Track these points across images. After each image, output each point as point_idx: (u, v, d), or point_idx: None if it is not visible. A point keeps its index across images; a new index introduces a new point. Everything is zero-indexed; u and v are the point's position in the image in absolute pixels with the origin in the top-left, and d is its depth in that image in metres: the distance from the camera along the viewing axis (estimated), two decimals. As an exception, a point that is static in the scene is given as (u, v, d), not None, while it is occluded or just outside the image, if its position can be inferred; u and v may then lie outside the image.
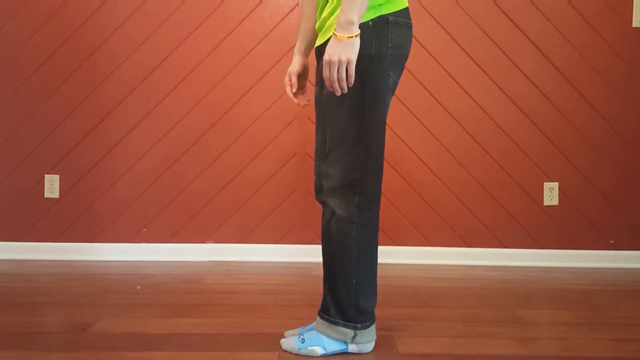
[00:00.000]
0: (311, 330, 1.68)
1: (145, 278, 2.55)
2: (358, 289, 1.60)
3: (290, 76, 1.76)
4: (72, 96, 2.90)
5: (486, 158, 2.92)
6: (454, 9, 2.89)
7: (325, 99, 1.58)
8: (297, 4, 2.89)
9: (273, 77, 2.90)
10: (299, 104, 1.76)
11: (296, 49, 1.78)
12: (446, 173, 2.92)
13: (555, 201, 2.93)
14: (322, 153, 1.64)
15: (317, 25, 1.64)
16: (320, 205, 1.70)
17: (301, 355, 1.63)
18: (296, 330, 1.76)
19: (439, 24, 2.89)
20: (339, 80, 1.43)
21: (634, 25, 2.89)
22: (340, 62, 1.41)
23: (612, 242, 2.94)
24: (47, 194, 2.91)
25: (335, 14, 1.52)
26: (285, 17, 2.89)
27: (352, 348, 1.63)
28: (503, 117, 2.92)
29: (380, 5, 1.52)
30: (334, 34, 1.42)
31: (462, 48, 2.89)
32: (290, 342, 1.65)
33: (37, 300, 2.18)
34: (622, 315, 2.08)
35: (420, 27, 2.89)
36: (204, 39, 2.89)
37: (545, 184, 2.93)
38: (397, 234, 2.93)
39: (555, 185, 2.93)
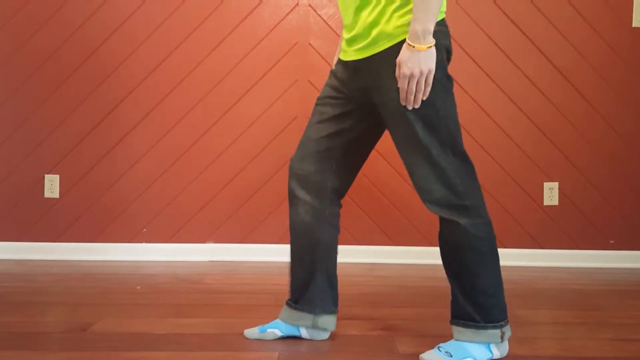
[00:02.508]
0: (449, 343, 1.60)
1: (145, 278, 2.55)
2: (497, 286, 1.59)
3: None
4: (72, 96, 2.90)
5: (486, 158, 2.92)
6: (454, 9, 2.88)
7: (392, 110, 1.53)
8: (297, 4, 2.89)
9: (273, 77, 2.90)
10: None
11: (334, 60, 1.76)
12: (446, 173, 2.92)
13: (555, 201, 2.93)
14: (323, 155, 1.64)
15: (351, 35, 1.57)
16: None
17: None
18: (255, 329, 1.75)
19: (439, 24, 2.89)
20: (417, 91, 1.42)
21: (633, 25, 2.89)
22: (421, 73, 1.41)
23: (612, 242, 2.94)
24: (47, 194, 2.91)
25: (384, 23, 1.49)
26: (285, 17, 2.89)
27: (495, 353, 1.58)
28: (503, 117, 2.92)
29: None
30: (410, 45, 1.41)
31: (462, 48, 2.89)
32: (436, 357, 1.56)
33: (37, 300, 2.17)
34: (622, 315, 2.08)
35: (420, 27, 2.89)
36: (203, 39, 2.89)
37: (545, 184, 2.93)
38: (397, 234, 2.93)
39: (555, 185, 2.93)
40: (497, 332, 1.56)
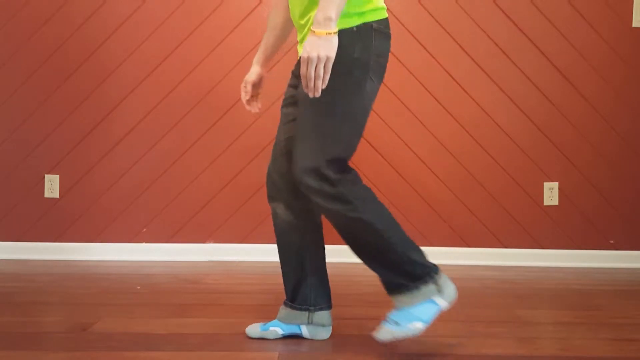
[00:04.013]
0: (388, 322, 1.60)
1: (145, 278, 2.55)
2: (404, 249, 1.57)
3: (246, 84, 1.84)
4: (71, 96, 2.90)
5: (486, 158, 2.92)
6: (454, 9, 2.89)
7: (301, 97, 1.57)
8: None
9: (273, 77, 2.89)
10: (250, 111, 1.85)
11: (255, 59, 1.85)
12: (446, 173, 2.92)
13: (555, 201, 2.93)
14: (282, 150, 1.68)
15: (301, 35, 1.63)
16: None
17: (401, 337, 1.56)
18: (257, 327, 1.76)
19: (439, 24, 2.89)
20: (315, 77, 1.42)
21: (633, 25, 2.89)
22: (319, 58, 1.40)
23: (612, 242, 2.94)
24: (47, 194, 2.92)
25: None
26: (285, 17, 2.89)
27: (442, 303, 1.58)
28: (503, 117, 2.92)
29: (364, 12, 1.53)
30: (312, 30, 1.41)
31: (462, 48, 2.89)
32: (387, 331, 1.57)
33: (37, 300, 2.17)
34: (622, 315, 2.08)
35: (420, 27, 2.90)
36: (204, 39, 2.89)
37: (545, 184, 2.93)
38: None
39: (555, 185, 2.93)
40: (431, 286, 1.57)
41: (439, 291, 1.58)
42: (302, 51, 1.42)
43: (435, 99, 2.91)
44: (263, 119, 2.91)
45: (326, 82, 1.43)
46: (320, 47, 1.40)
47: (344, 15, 1.49)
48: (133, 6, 2.88)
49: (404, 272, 1.57)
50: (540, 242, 2.94)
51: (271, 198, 1.75)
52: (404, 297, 1.58)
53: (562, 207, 2.93)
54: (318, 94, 1.44)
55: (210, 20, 2.90)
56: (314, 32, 1.41)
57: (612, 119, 2.92)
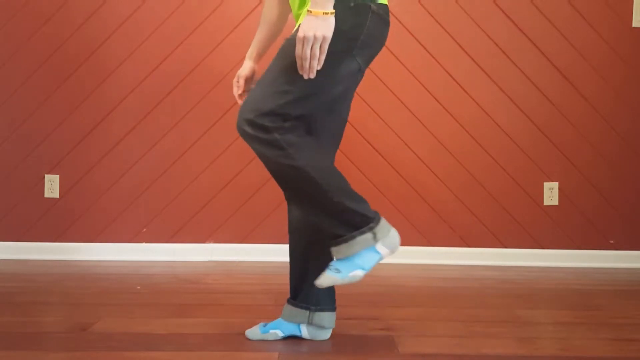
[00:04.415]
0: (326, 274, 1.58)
1: (145, 278, 2.55)
2: (341, 199, 1.54)
3: (238, 79, 1.83)
4: (72, 96, 2.90)
5: (486, 158, 2.92)
6: (454, 9, 2.89)
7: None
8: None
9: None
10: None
11: (248, 54, 1.84)
12: (446, 173, 2.92)
13: (555, 201, 2.93)
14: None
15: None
16: None
17: (341, 284, 1.55)
18: (257, 329, 1.76)
19: (439, 24, 2.89)
20: (311, 57, 1.41)
21: (634, 25, 2.89)
22: (315, 38, 1.39)
23: (612, 242, 2.94)
24: (47, 194, 2.92)
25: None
26: (285, 17, 2.89)
27: (383, 251, 1.57)
28: (503, 117, 2.92)
29: None
30: (308, 10, 1.40)
31: (462, 48, 2.89)
32: (327, 277, 1.56)
33: (37, 300, 2.17)
34: (622, 315, 2.08)
35: (420, 27, 2.90)
36: (204, 39, 2.89)
37: (545, 184, 2.93)
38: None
39: (555, 185, 2.93)
40: (368, 235, 1.54)
41: (379, 239, 1.56)
42: (299, 30, 1.41)
43: (435, 99, 2.91)
44: (263, 119, 2.90)
45: (322, 62, 1.42)
46: (317, 27, 1.39)
47: None
48: (133, 6, 2.88)
49: (340, 222, 1.55)
50: (540, 242, 2.94)
51: (285, 194, 1.74)
52: (342, 247, 1.56)
53: (562, 207, 2.93)
54: (313, 75, 1.43)
55: (210, 20, 2.90)
56: (311, 11, 1.39)
57: (612, 119, 2.92)
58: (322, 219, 1.57)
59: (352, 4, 1.48)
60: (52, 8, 2.87)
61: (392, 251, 1.59)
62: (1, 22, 2.88)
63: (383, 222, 1.58)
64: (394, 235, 1.60)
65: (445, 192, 2.93)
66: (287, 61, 1.49)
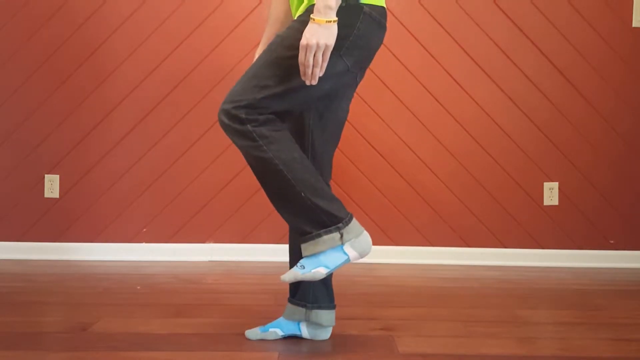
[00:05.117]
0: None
1: (145, 278, 2.55)
2: (309, 195, 1.55)
3: None
4: (72, 96, 2.90)
5: (486, 158, 2.92)
6: (454, 9, 2.89)
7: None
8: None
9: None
10: None
11: (257, 52, 1.83)
12: (446, 173, 2.92)
13: (555, 201, 2.93)
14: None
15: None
16: None
17: (303, 279, 1.56)
18: (256, 329, 1.77)
19: (439, 24, 2.89)
20: (313, 65, 1.42)
21: (633, 25, 2.89)
22: (318, 46, 1.40)
23: (612, 242, 2.94)
24: (47, 194, 2.92)
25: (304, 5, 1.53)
26: (285, 17, 2.89)
27: (351, 253, 1.57)
28: (503, 117, 2.92)
29: None
30: (312, 18, 1.41)
31: (462, 48, 2.89)
32: (291, 272, 1.58)
33: (37, 300, 2.17)
34: (622, 315, 2.08)
35: (420, 27, 2.90)
36: (204, 39, 2.89)
37: (545, 184, 2.93)
38: (397, 234, 2.93)
39: (555, 185, 2.93)
40: (335, 234, 1.55)
41: (346, 240, 1.56)
42: (302, 38, 1.42)
43: (435, 99, 2.91)
44: (263, 119, 2.91)
45: (324, 69, 1.43)
46: (320, 35, 1.40)
47: None
48: (133, 6, 2.88)
49: (308, 219, 1.55)
50: (540, 242, 2.94)
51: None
52: (308, 245, 1.56)
53: (562, 207, 2.93)
54: (315, 82, 1.44)
55: (210, 20, 2.90)
56: (314, 19, 1.41)
57: (612, 119, 2.92)
58: (291, 215, 1.59)
59: (343, 4, 1.48)
60: (52, 8, 2.87)
61: (361, 255, 1.59)
62: (1, 22, 2.88)
63: (354, 224, 1.58)
64: (364, 239, 1.59)
65: (446, 192, 2.93)
66: (272, 56, 1.51)
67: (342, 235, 1.56)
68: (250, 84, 1.52)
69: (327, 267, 1.56)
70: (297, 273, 1.56)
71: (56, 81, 2.90)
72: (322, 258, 1.56)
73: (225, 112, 1.52)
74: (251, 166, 1.59)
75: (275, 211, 1.63)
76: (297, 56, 1.45)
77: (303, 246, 1.58)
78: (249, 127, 1.50)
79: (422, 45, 2.90)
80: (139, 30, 2.89)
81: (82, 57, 2.89)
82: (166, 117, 2.91)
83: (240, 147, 1.54)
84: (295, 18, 1.57)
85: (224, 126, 1.54)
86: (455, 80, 2.91)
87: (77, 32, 2.88)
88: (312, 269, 1.55)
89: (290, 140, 1.57)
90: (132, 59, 2.89)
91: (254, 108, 1.50)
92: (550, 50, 2.90)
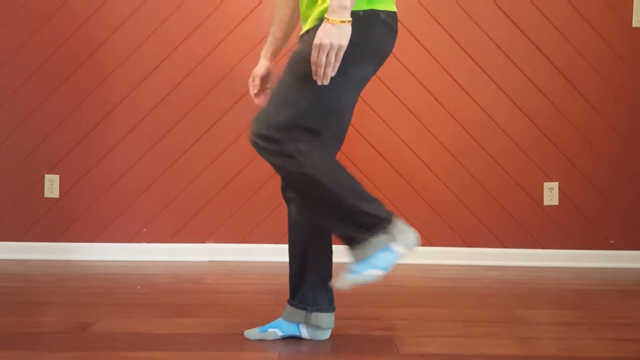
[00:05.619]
0: (345, 275, 1.59)
1: (145, 278, 2.55)
2: (353, 201, 1.56)
3: (254, 78, 1.83)
4: (72, 96, 2.90)
5: (486, 158, 2.92)
6: (454, 9, 2.89)
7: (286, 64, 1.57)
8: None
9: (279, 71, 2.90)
10: (259, 105, 1.81)
11: (263, 53, 1.84)
12: (446, 173, 2.92)
13: (555, 201, 2.93)
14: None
15: (305, 29, 1.61)
16: None
17: (359, 284, 1.56)
18: (256, 329, 1.77)
19: (439, 24, 2.89)
20: (326, 64, 1.42)
21: (634, 25, 2.89)
22: (331, 46, 1.40)
23: (612, 242, 2.94)
24: (47, 194, 2.92)
25: (318, 6, 1.54)
26: (285, 17, 2.89)
27: (399, 250, 1.58)
28: (503, 117, 2.92)
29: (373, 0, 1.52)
30: (325, 18, 1.42)
31: (462, 48, 2.89)
32: (342, 279, 1.57)
33: (37, 300, 2.18)
34: (622, 315, 2.08)
35: (420, 27, 2.90)
36: (204, 39, 2.89)
37: (545, 184, 2.93)
38: (397, 234, 2.93)
39: (555, 185, 2.93)
40: (382, 236, 1.56)
41: (393, 239, 1.57)
42: (315, 37, 1.43)
43: (435, 99, 2.91)
44: (263, 119, 2.91)
45: (336, 69, 1.44)
46: (333, 35, 1.40)
47: None
48: (133, 6, 2.88)
49: (353, 224, 1.56)
50: (540, 242, 2.94)
51: (284, 195, 1.76)
52: (357, 250, 1.57)
53: (562, 207, 2.93)
54: (327, 82, 1.45)
55: (210, 20, 2.90)
56: (328, 19, 1.41)
57: (612, 119, 2.92)
58: (336, 223, 1.58)
59: (361, 13, 1.50)
60: (52, 8, 2.87)
61: (409, 249, 1.60)
62: (1, 22, 2.88)
63: (397, 221, 1.59)
64: (408, 232, 1.61)
65: (446, 192, 2.93)
66: (296, 74, 1.52)
67: (388, 235, 1.57)
68: (279, 104, 1.53)
69: (380, 268, 1.57)
70: (352, 279, 1.55)
71: (56, 81, 2.90)
72: (373, 260, 1.56)
73: (259, 136, 1.53)
74: (290, 182, 1.59)
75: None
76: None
77: (351, 252, 1.58)
78: (285, 145, 1.51)
79: (422, 45, 2.90)
80: (139, 30, 2.89)
81: (82, 57, 2.89)
82: (166, 117, 2.91)
83: (278, 167, 1.55)
84: (309, 28, 1.57)
85: (261, 149, 1.54)
86: (455, 80, 2.91)
87: (77, 32, 2.88)
88: (365, 271, 1.56)
89: (324, 150, 1.58)
90: (132, 59, 2.89)
91: (287, 126, 1.51)
92: (550, 50, 2.90)
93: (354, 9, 1.48)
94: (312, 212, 1.64)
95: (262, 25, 2.89)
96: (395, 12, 1.58)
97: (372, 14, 1.51)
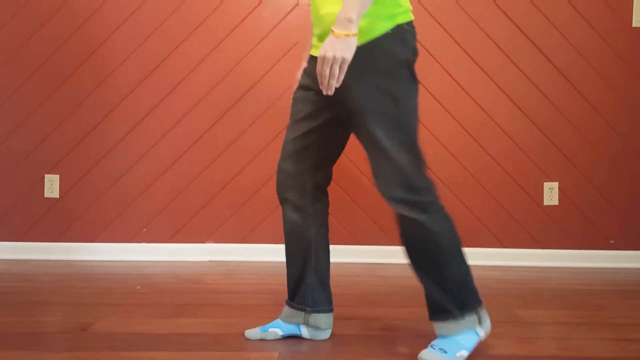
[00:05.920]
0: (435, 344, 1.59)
1: (145, 278, 2.55)
2: (464, 271, 1.59)
3: (297, 80, 1.81)
4: (72, 96, 2.90)
5: (486, 158, 2.92)
6: (454, 9, 2.89)
7: (356, 109, 1.56)
8: (297, 3, 2.89)
9: (273, 76, 2.90)
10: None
11: (304, 56, 1.82)
12: (446, 173, 2.92)
13: (555, 201, 2.93)
14: (298, 151, 1.68)
15: (320, 30, 1.60)
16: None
17: None
18: (256, 329, 1.77)
19: (439, 24, 2.89)
20: (330, 77, 1.43)
21: (634, 25, 2.89)
22: (335, 59, 1.41)
23: (612, 242, 2.94)
24: (47, 194, 2.92)
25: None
26: (285, 17, 2.89)
27: (481, 333, 1.59)
28: (503, 117, 2.92)
29: (395, 15, 1.53)
30: (332, 30, 1.42)
31: (462, 48, 2.89)
32: (435, 357, 1.56)
33: (37, 300, 2.18)
34: (622, 315, 2.08)
35: (420, 27, 2.87)
36: (203, 39, 2.89)
37: (545, 184, 2.93)
38: (397, 234, 2.92)
39: (555, 185, 2.93)
40: (474, 317, 1.57)
41: (480, 322, 1.59)
42: (320, 49, 1.43)
43: (435, 99, 2.91)
44: (263, 118, 2.91)
45: (340, 81, 1.44)
46: (337, 48, 1.41)
47: (378, 18, 1.49)
48: (133, 6, 2.88)
49: (454, 296, 1.57)
50: (540, 242, 2.94)
51: (281, 196, 1.75)
52: (448, 324, 1.57)
53: (562, 207, 2.93)
54: (331, 93, 1.46)
55: (210, 20, 2.89)
56: (334, 32, 1.42)
57: (612, 119, 2.92)
58: (439, 290, 1.58)
59: (391, 32, 1.52)
60: (52, 8, 2.87)
61: (487, 334, 1.61)
62: (1, 22, 2.88)
63: (484, 309, 1.61)
64: (488, 319, 1.62)
65: (445, 192, 2.93)
66: (391, 117, 1.53)
67: (479, 318, 1.58)
68: (405, 158, 1.55)
69: (467, 349, 1.57)
70: (444, 358, 1.55)
71: (56, 81, 2.90)
72: (460, 339, 1.57)
73: (400, 202, 1.58)
74: (412, 238, 1.62)
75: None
76: (403, 112, 1.52)
77: (440, 325, 1.58)
78: (425, 197, 1.60)
79: (422, 45, 2.89)
80: (139, 30, 2.89)
81: (82, 57, 2.89)
82: (166, 117, 2.91)
83: (409, 220, 1.59)
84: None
85: (406, 220, 1.59)
86: (455, 80, 2.91)
87: (77, 32, 2.88)
88: (456, 352, 1.56)
89: (444, 206, 1.63)
90: (132, 59, 2.89)
91: (415, 183, 1.58)
92: (550, 50, 2.90)
93: (384, 29, 1.50)
94: (423, 272, 1.62)
95: (262, 25, 2.89)
96: (412, 19, 1.59)
97: (400, 29, 1.53)
